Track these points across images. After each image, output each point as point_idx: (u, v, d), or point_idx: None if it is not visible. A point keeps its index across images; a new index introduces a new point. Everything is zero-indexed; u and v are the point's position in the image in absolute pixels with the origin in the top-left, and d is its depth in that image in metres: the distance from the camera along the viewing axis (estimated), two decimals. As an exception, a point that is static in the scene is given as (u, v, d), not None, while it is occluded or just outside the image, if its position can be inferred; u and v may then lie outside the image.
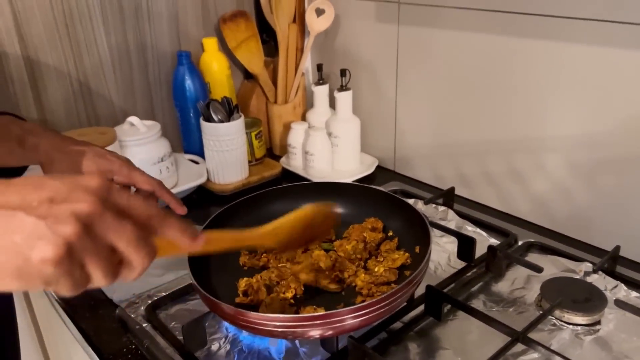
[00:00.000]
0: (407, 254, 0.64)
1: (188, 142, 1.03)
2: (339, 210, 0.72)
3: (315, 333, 0.52)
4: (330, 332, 0.52)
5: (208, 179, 0.96)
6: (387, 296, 0.52)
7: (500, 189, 0.86)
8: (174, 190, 0.90)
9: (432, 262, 0.74)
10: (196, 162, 1.00)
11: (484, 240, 0.77)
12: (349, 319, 0.51)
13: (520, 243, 0.76)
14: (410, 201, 0.87)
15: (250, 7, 1.08)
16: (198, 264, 0.60)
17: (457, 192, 0.90)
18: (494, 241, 0.77)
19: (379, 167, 1.04)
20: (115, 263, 0.35)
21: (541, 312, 0.62)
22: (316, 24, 1.01)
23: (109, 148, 0.82)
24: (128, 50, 0.96)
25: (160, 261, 0.41)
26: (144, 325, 0.64)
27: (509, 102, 0.80)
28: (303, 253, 0.65)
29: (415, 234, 0.65)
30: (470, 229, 0.80)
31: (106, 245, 0.34)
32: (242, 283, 0.60)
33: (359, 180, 0.99)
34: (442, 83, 0.88)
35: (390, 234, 0.69)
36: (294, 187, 0.76)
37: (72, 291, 0.33)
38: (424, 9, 0.86)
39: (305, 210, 0.56)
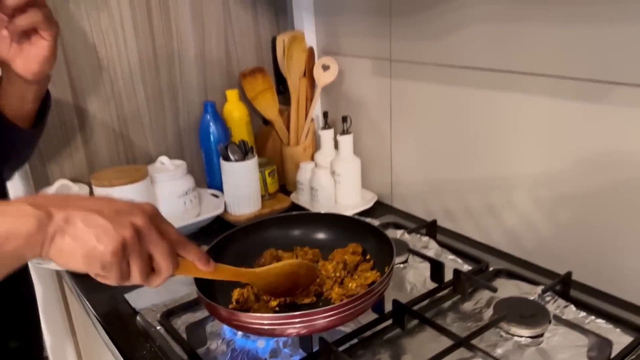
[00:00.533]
0: (377, 273, 0.75)
1: (211, 179, 1.19)
2: (325, 236, 0.85)
3: (293, 331, 0.63)
4: (304, 331, 0.64)
5: (225, 210, 1.10)
6: (351, 301, 0.63)
7: (478, 222, 0.96)
8: (196, 219, 1.05)
9: (409, 283, 0.85)
10: (216, 196, 1.15)
11: (459, 266, 0.86)
12: (319, 319, 0.62)
13: (490, 269, 0.86)
14: (399, 232, 0.99)
15: (269, 63, 1.25)
16: (202, 279, 0.72)
17: (442, 225, 1.01)
18: (467, 267, 0.87)
19: (378, 202, 1.15)
20: (149, 269, 0.50)
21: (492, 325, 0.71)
22: (323, 78, 1.16)
23: (141, 183, 0.98)
24: (162, 100, 1.13)
25: (175, 279, 0.55)
26: (158, 328, 0.77)
27: (483, 145, 0.91)
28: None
29: (387, 257, 0.76)
30: (449, 257, 0.90)
31: (147, 252, 0.49)
32: (236, 293, 0.73)
33: (358, 213, 1.11)
34: (428, 128, 1.01)
35: (368, 257, 0.81)
36: (287, 217, 0.88)
37: (117, 281, 0.48)
38: (410, 65, 1.00)
39: (292, 263, 0.70)
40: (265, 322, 0.63)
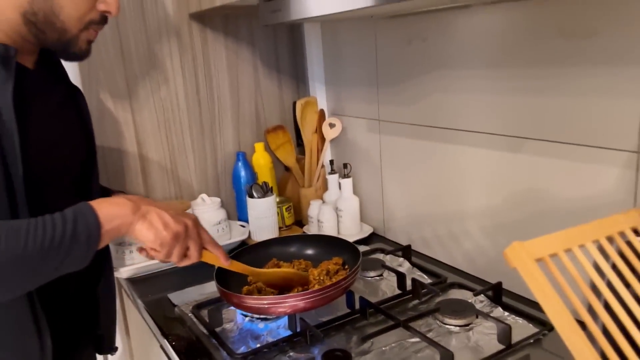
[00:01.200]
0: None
1: (240, 212, 1.48)
2: (311, 252, 1.11)
3: (283, 309, 0.89)
4: (290, 310, 0.89)
5: (249, 237, 1.39)
6: (323, 288, 0.89)
7: (444, 247, 1.20)
8: (226, 242, 1.33)
9: (381, 291, 1.09)
10: (243, 226, 1.44)
11: (422, 279, 1.10)
12: (300, 301, 0.88)
13: (447, 282, 1.09)
14: (381, 255, 1.24)
15: (290, 122, 1.56)
16: (220, 279, 1.00)
17: (419, 250, 1.25)
18: (429, 280, 1.10)
19: (373, 233, 1.41)
20: (184, 255, 0.80)
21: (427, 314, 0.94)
22: (330, 134, 1.46)
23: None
24: (205, 150, 1.45)
25: (201, 287, 0.84)
26: (190, 315, 1.04)
27: (445, 185, 1.16)
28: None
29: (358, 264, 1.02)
30: (417, 273, 1.14)
31: (187, 244, 0.78)
32: (244, 289, 1.00)
33: (356, 241, 1.36)
34: (408, 174, 1.27)
35: (346, 266, 1.06)
36: (286, 237, 1.16)
37: (164, 257, 0.79)
38: (393, 124, 1.28)
39: (288, 272, 1.00)
40: (265, 302, 0.89)
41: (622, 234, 0.57)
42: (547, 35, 0.88)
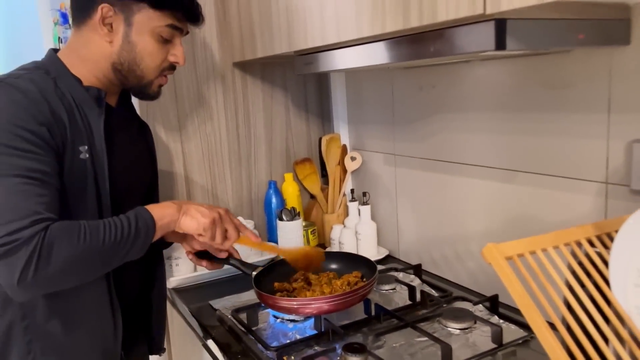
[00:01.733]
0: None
1: (270, 234, 1.67)
2: (335, 266, 1.29)
3: (309, 310, 1.07)
4: (316, 311, 1.07)
5: (277, 256, 1.57)
6: (343, 294, 1.07)
7: (451, 266, 1.36)
8: (258, 259, 1.51)
9: (394, 302, 1.25)
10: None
11: (429, 291, 1.26)
12: (324, 304, 1.06)
13: (453, 296, 1.25)
14: (396, 273, 1.40)
15: (316, 155, 1.76)
16: (260, 284, 1.17)
17: (429, 270, 1.42)
18: (436, 294, 1.26)
19: (389, 255, 1.58)
20: (224, 236, 1.01)
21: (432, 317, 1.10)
22: (351, 166, 1.65)
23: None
24: (241, 179, 1.66)
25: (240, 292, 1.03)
26: (230, 317, 1.22)
27: (452, 211, 1.33)
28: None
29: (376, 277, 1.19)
30: (426, 288, 1.30)
31: (224, 227, 1.00)
32: (277, 294, 1.18)
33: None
34: (419, 202, 1.45)
35: (364, 279, 1.23)
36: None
37: (209, 239, 1.00)
38: (407, 158, 1.46)
39: (307, 247, 1.17)
40: (295, 303, 1.07)
41: (578, 243, 0.74)
42: (533, 86, 1.07)
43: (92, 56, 1.00)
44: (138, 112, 1.44)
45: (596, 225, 0.76)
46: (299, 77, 1.71)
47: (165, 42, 1.02)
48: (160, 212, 0.96)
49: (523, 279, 0.67)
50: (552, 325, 0.64)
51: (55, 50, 1.02)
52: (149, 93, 1.07)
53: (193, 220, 0.98)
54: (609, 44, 0.89)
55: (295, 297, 1.17)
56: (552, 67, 1.03)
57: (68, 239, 0.84)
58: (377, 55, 0.97)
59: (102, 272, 0.94)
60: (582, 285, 0.71)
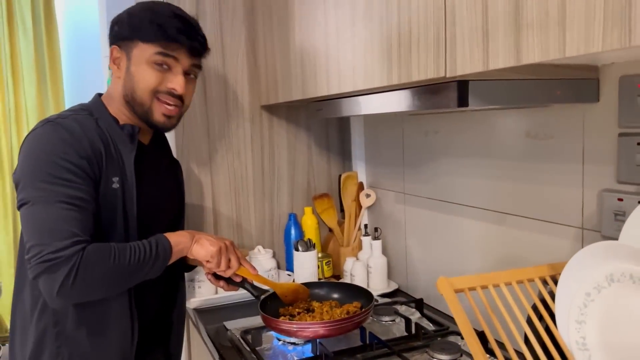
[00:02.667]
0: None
1: (288, 263, 1.79)
2: (337, 295, 1.38)
3: (307, 333, 1.17)
4: (312, 335, 1.17)
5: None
6: (338, 320, 1.16)
7: (451, 302, 1.42)
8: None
9: (392, 332, 1.33)
10: (289, 274, 1.74)
11: (427, 327, 1.33)
12: (320, 328, 1.16)
13: (448, 330, 1.31)
14: (398, 305, 1.48)
15: (335, 191, 1.88)
16: (263, 309, 1.29)
17: (433, 305, 1.48)
18: (433, 328, 1.33)
19: (398, 289, 1.65)
20: (227, 265, 1.15)
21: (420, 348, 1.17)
22: (365, 202, 1.76)
23: (243, 258, 1.61)
24: (264, 211, 1.80)
25: (252, 315, 1.16)
26: (238, 336, 1.34)
27: (452, 249, 1.41)
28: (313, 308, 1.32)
29: (374, 308, 1.28)
30: (424, 322, 1.37)
31: (228, 257, 1.13)
32: (280, 318, 1.29)
33: (382, 295, 1.61)
34: (425, 239, 1.53)
35: (363, 309, 1.32)
36: (317, 283, 1.45)
37: (215, 267, 1.15)
38: (414, 197, 1.56)
39: (293, 284, 1.30)
40: (294, 326, 1.18)
41: (531, 281, 0.81)
42: (517, 135, 1.15)
43: (115, 95, 1.17)
44: (174, 148, 1.62)
45: (551, 266, 0.83)
46: (322, 119, 1.85)
47: (162, 69, 1.13)
48: (176, 240, 1.12)
49: (471, 310, 0.76)
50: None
51: (101, 94, 1.21)
52: (154, 122, 1.16)
53: (202, 248, 1.13)
54: (581, 101, 0.98)
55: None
56: (533, 120, 1.11)
57: (102, 259, 1.00)
58: (370, 105, 1.09)
59: (126, 287, 1.10)
60: (529, 322, 0.79)
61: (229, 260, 1.18)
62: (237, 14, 1.70)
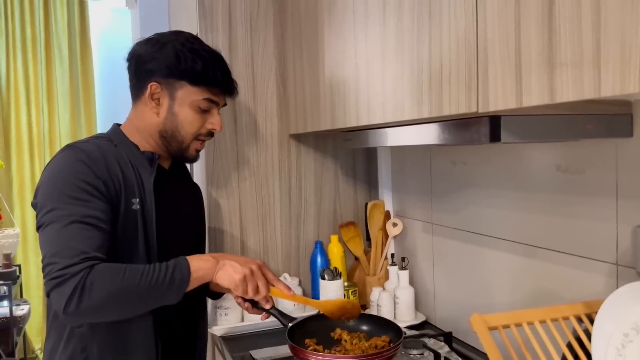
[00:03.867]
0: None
1: (314, 292, 1.79)
2: (366, 327, 1.37)
3: (335, 366, 1.16)
4: (340, 368, 1.16)
5: (319, 312, 1.67)
6: (366, 354, 1.15)
7: (480, 336, 1.40)
8: (300, 314, 1.63)
9: (420, 366, 1.31)
10: (315, 303, 1.73)
11: (456, 361, 1.31)
12: (347, 361, 1.15)
13: (477, 365, 1.29)
14: (427, 339, 1.46)
15: (361, 219, 1.88)
16: (291, 338, 1.28)
17: (462, 339, 1.46)
18: (462, 362, 1.31)
19: (425, 321, 1.63)
20: (256, 291, 1.14)
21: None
22: (392, 231, 1.75)
23: (270, 286, 1.61)
24: (290, 238, 1.81)
25: (279, 345, 1.16)
26: (265, 366, 1.34)
27: (481, 282, 1.39)
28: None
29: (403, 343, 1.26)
30: (454, 356, 1.35)
31: (255, 282, 1.12)
32: (309, 348, 1.28)
33: (409, 327, 1.59)
34: (453, 270, 1.51)
35: (392, 343, 1.30)
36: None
37: (241, 293, 1.13)
38: (442, 227, 1.55)
39: (343, 300, 1.26)
40: (321, 358, 1.17)
41: (566, 319, 0.80)
42: (548, 169, 1.15)
43: (144, 126, 1.21)
44: (204, 175, 1.65)
45: (587, 304, 0.82)
46: (349, 148, 1.86)
47: (204, 112, 1.20)
48: (198, 265, 1.10)
49: (504, 348, 0.75)
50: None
51: (119, 124, 1.26)
52: (188, 156, 1.25)
53: (226, 275, 1.12)
54: (614, 135, 0.97)
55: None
56: (564, 153, 1.10)
57: (109, 278, 1.01)
58: (399, 137, 1.10)
59: (139, 311, 1.09)
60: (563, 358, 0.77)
61: (257, 286, 1.16)
62: (267, 45, 1.74)
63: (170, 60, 1.16)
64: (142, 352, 1.14)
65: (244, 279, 1.13)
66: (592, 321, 0.80)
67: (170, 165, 1.30)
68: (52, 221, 1.04)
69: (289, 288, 1.21)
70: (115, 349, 1.12)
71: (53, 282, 0.99)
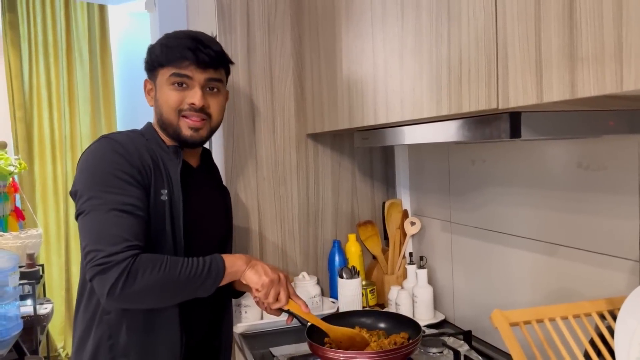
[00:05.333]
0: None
1: (332, 290, 1.79)
2: (384, 325, 1.37)
3: (354, 364, 1.17)
4: (359, 365, 1.17)
5: (337, 311, 1.68)
6: (385, 351, 1.16)
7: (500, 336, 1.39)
8: (319, 313, 1.64)
9: (439, 364, 1.31)
10: (333, 302, 1.74)
11: (475, 358, 1.31)
12: (367, 358, 1.15)
13: (498, 364, 1.28)
14: (446, 338, 1.46)
15: (379, 218, 1.88)
16: (310, 336, 1.29)
17: (480, 337, 1.45)
18: (482, 361, 1.30)
19: (445, 320, 1.63)
20: (276, 298, 1.15)
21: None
22: (410, 230, 1.75)
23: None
24: (308, 238, 1.82)
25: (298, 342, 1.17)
26: (285, 363, 1.35)
27: (501, 280, 1.39)
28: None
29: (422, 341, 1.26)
30: (473, 354, 1.34)
31: (278, 290, 1.14)
32: (326, 345, 1.29)
33: (428, 326, 1.59)
34: (472, 269, 1.51)
35: (411, 339, 1.31)
36: (367, 311, 1.44)
37: (263, 297, 1.15)
38: (461, 226, 1.55)
39: (353, 332, 1.27)
40: (341, 355, 1.18)
41: (588, 315, 0.80)
42: (569, 166, 1.14)
43: (155, 122, 1.27)
44: (223, 174, 1.67)
45: (609, 300, 0.81)
46: (366, 147, 1.87)
47: (182, 89, 1.20)
48: (232, 261, 1.15)
49: (525, 344, 0.75)
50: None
51: (151, 123, 1.30)
52: (184, 137, 1.22)
53: (256, 275, 1.15)
54: (636, 132, 0.96)
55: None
56: (585, 150, 1.10)
57: (152, 267, 1.05)
58: (418, 135, 1.10)
59: (175, 300, 1.13)
60: (587, 356, 0.77)
61: (279, 293, 1.17)
62: (285, 46, 1.75)
63: (147, 57, 1.26)
64: (167, 339, 1.17)
65: (271, 283, 1.15)
66: (614, 317, 0.80)
67: (199, 165, 1.33)
68: (91, 209, 1.08)
69: (306, 305, 1.23)
70: (141, 335, 1.15)
71: (97, 268, 1.03)
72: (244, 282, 1.17)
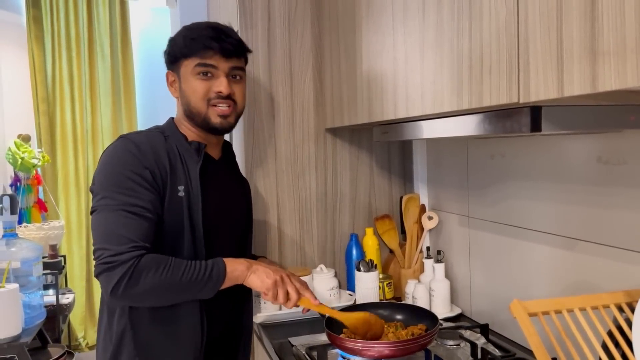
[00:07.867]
0: (428, 338, 1.27)
1: (349, 283, 1.81)
2: (401, 317, 1.39)
3: (372, 353, 1.19)
4: (377, 354, 1.18)
5: (354, 304, 1.70)
6: (403, 341, 1.17)
7: (518, 328, 1.40)
8: (336, 305, 1.66)
9: (457, 357, 1.32)
10: (350, 294, 1.76)
11: (493, 352, 1.32)
12: (385, 348, 1.17)
13: (515, 356, 1.29)
14: (463, 331, 1.47)
15: (396, 213, 1.90)
16: (329, 327, 1.31)
17: (497, 330, 1.46)
18: (500, 354, 1.31)
19: (461, 314, 1.64)
20: (286, 297, 1.17)
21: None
22: (428, 225, 1.76)
23: (306, 277, 1.64)
24: (326, 231, 1.84)
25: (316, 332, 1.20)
26: (304, 353, 1.37)
27: (518, 274, 1.39)
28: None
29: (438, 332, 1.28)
30: (490, 347, 1.36)
31: (286, 289, 1.16)
32: (343, 335, 1.31)
33: (445, 319, 1.60)
34: (490, 264, 1.52)
35: (428, 331, 1.32)
36: (386, 303, 1.46)
37: (271, 299, 1.18)
38: (479, 221, 1.55)
39: (366, 314, 1.28)
40: (359, 345, 1.20)
41: (606, 307, 0.80)
42: (589, 160, 1.14)
43: (180, 114, 1.29)
44: (243, 167, 1.70)
45: (628, 292, 0.82)
46: (384, 142, 1.88)
47: (206, 79, 1.23)
48: (233, 266, 1.18)
49: (544, 335, 0.76)
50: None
51: (173, 118, 1.33)
52: (214, 125, 1.25)
53: (258, 280, 1.18)
54: (657, 125, 0.96)
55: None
56: (605, 145, 1.10)
57: (155, 269, 1.09)
58: (438, 129, 1.12)
59: (176, 301, 1.17)
60: (605, 347, 0.78)
61: (287, 292, 1.19)
62: (305, 41, 1.77)
63: (168, 49, 1.29)
64: (189, 329, 1.20)
65: (275, 284, 1.18)
66: (632, 310, 0.80)
67: (221, 157, 1.35)
68: (102, 208, 1.12)
69: (315, 298, 1.25)
70: (162, 326, 1.19)
71: (103, 266, 1.07)
72: (248, 287, 1.20)
